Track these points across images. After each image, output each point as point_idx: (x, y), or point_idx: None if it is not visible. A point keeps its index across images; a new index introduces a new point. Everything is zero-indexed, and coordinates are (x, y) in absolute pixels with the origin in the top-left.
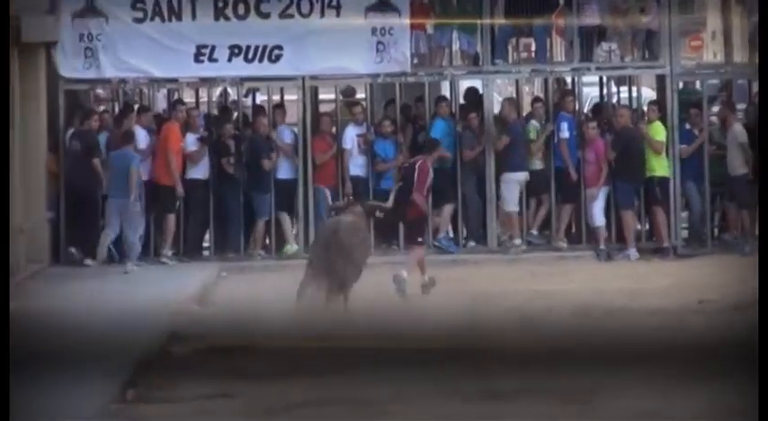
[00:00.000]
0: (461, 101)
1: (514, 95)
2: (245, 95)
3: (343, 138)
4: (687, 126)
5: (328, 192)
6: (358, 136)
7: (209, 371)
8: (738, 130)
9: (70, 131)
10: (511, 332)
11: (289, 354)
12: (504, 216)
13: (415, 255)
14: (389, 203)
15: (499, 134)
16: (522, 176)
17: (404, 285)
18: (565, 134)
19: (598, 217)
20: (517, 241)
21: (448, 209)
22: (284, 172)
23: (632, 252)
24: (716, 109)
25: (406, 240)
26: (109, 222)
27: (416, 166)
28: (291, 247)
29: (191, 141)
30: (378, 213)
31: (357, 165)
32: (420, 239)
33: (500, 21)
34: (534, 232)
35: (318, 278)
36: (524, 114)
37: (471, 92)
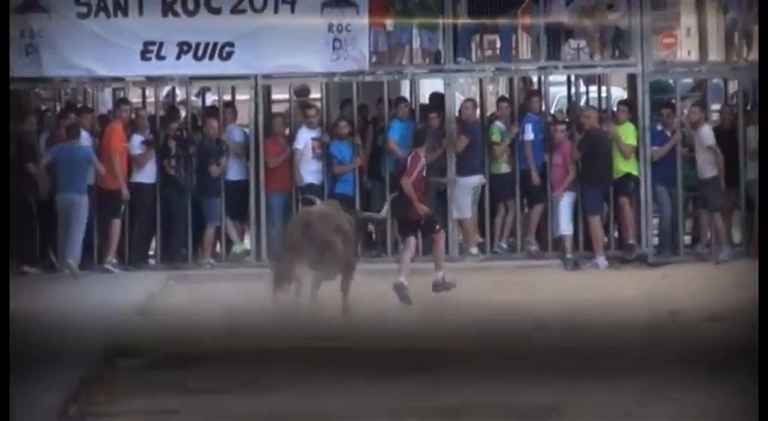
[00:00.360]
0: (422, 101)
1: (478, 95)
2: (197, 95)
3: (295, 141)
4: (659, 127)
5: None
6: (312, 139)
7: (154, 385)
8: (706, 132)
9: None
10: (470, 345)
11: (237, 366)
12: (458, 222)
13: (436, 248)
14: (384, 214)
15: (458, 135)
16: (476, 181)
17: (406, 291)
18: (529, 136)
19: (564, 223)
20: (473, 250)
21: (372, 225)
22: (235, 174)
23: (601, 260)
24: (696, 110)
25: (423, 233)
26: (62, 223)
27: (408, 158)
28: (240, 247)
29: (136, 143)
30: (371, 225)
31: (310, 171)
32: (437, 227)
33: (463, 17)
34: (501, 242)
35: (290, 271)
36: (488, 115)
37: (436, 96)
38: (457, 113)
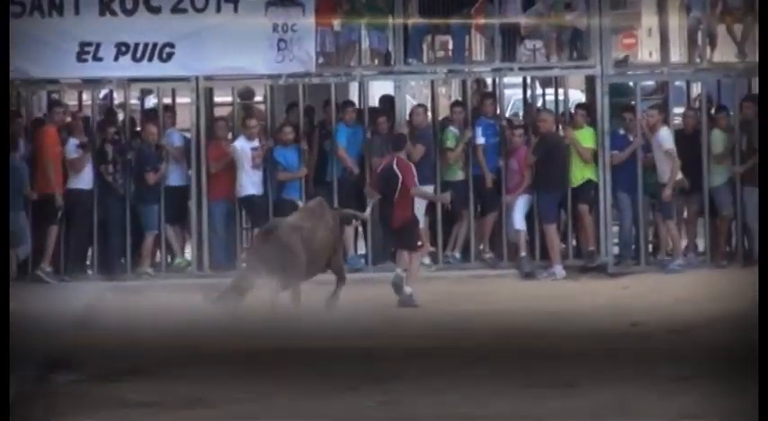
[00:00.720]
0: (372, 104)
1: (430, 98)
2: (139, 98)
3: (232, 151)
4: (621, 131)
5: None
6: (252, 149)
7: (93, 401)
8: (665, 136)
9: None
10: (423, 356)
11: (179, 380)
12: None
13: (414, 262)
14: (367, 214)
15: (413, 143)
16: (429, 189)
17: (402, 282)
18: (482, 140)
19: (518, 219)
20: (425, 259)
21: (355, 223)
22: (175, 180)
23: (558, 269)
24: (653, 112)
25: (402, 247)
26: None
27: (396, 166)
28: (182, 260)
29: (71, 147)
30: (354, 222)
31: (251, 183)
32: (420, 242)
33: (414, 17)
34: (454, 251)
35: (253, 279)
36: (440, 119)
37: (386, 99)
38: (407, 118)
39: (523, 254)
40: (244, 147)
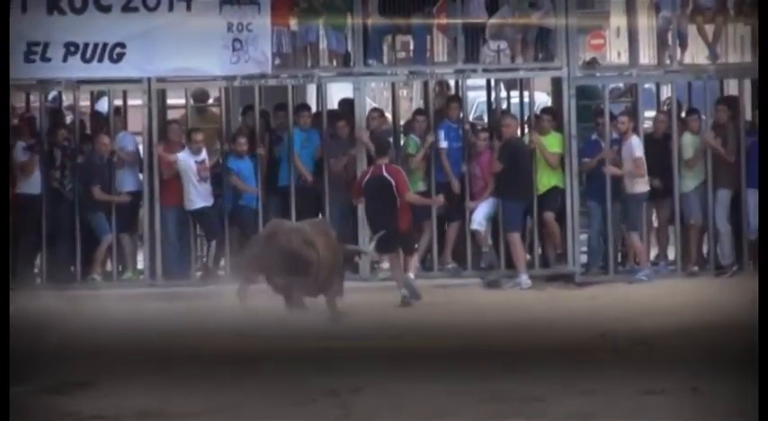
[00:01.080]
0: (330, 107)
1: (390, 100)
2: (96, 100)
3: (177, 163)
4: (594, 136)
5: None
6: (197, 163)
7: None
8: (635, 143)
9: None
10: (384, 368)
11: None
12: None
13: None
14: (371, 248)
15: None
16: None
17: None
18: (444, 144)
19: (476, 228)
20: (385, 265)
21: (357, 259)
22: (127, 185)
23: (523, 279)
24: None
25: (405, 251)
26: None
27: (387, 173)
28: (132, 274)
29: (19, 150)
30: (357, 259)
31: (201, 196)
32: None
33: (374, 16)
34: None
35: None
36: (402, 124)
37: (346, 103)
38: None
39: (485, 249)
40: (188, 160)
